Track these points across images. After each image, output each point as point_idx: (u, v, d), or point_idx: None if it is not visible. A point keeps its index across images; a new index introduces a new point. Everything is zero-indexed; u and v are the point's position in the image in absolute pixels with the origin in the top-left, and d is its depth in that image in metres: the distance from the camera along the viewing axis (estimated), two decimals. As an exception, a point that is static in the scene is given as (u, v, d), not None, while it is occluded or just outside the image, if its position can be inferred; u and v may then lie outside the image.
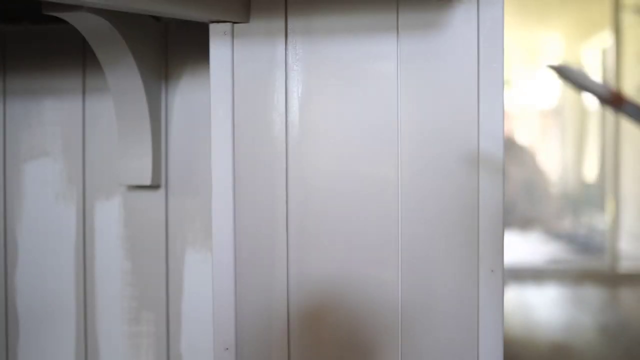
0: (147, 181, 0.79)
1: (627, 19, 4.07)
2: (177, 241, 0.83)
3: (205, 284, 0.82)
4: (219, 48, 0.67)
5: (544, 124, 5.09)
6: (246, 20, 0.67)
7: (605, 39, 4.21)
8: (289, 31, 0.67)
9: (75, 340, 0.85)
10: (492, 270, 0.64)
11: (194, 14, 0.63)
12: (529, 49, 4.89)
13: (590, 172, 4.68)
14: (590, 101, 4.54)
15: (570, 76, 0.50)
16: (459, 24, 0.64)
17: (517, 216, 4.83)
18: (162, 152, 0.81)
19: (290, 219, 0.67)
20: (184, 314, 0.83)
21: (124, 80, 0.74)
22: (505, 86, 0.65)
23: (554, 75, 0.57)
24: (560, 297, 3.36)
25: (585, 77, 0.52)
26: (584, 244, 4.51)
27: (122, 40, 0.69)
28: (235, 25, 0.67)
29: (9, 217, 0.87)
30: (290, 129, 0.67)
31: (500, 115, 0.64)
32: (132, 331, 0.84)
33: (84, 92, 0.85)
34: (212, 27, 0.67)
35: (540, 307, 3.13)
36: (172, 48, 0.82)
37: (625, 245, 4.03)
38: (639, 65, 4.04)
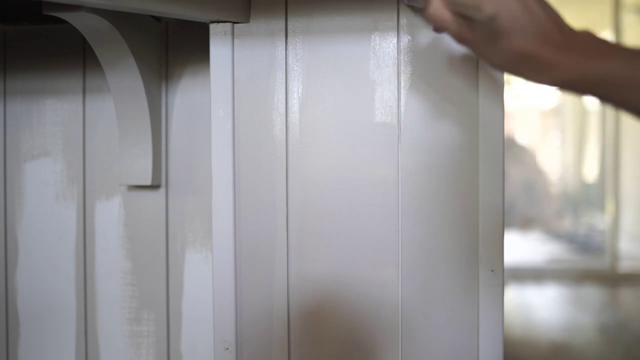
0: (147, 181, 0.79)
1: (627, 19, 4.07)
2: (177, 241, 0.83)
3: (205, 284, 0.82)
4: (219, 48, 0.67)
5: (544, 124, 5.09)
6: (246, 20, 0.67)
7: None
8: (289, 31, 0.67)
9: (75, 340, 0.85)
10: (492, 270, 0.64)
11: (194, 14, 0.63)
12: (529, 49, 4.88)
13: (590, 172, 4.69)
14: (591, 101, 4.54)
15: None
16: (459, 24, 0.64)
17: (517, 216, 4.83)
18: (162, 152, 0.81)
19: (291, 218, 0.67)
20: (184, 314, 0.83)
21: (124, 80, 0.74)
22: (505, 86, 0.65)
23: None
24: (560, 297, 3.36)
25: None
26: (584, 244, 4.51)
27: (122, 40, 0.69)
28: (235, 25, 0.67)
29: (10, 217, 0.87)
30: (290, 129, 0.67)
31: (501, 116, 0.64)
32: (132, 331, 0.84)
33: (84, 92, 0.85)
34: (212, 27, 0.67)
35: (540, 307, 3.13)
36: (172, 48, 0.82)
37: (625, 245, 4.03)
38: (639, 65, 4.03)
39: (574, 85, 0.45)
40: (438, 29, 0.50)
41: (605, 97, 0.46)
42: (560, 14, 0.48)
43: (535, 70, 0.46)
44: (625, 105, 0.45)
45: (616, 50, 0.45)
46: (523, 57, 0.46)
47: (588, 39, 0.46)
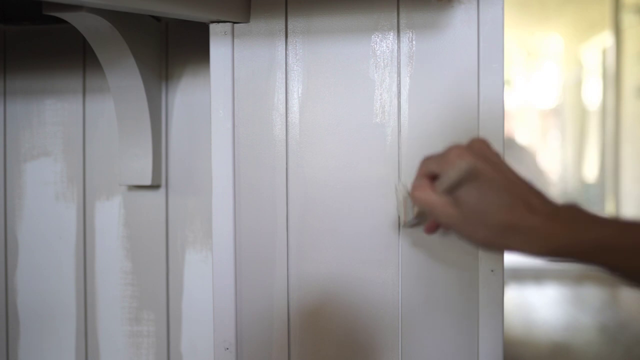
0: (147, 181, 0.79)
1: (627, 19, 4.07)
2: (177, 241, 0.83)
3: (205, 284, 0.82)
4: (219, 48, 0.67)
5: (544, 124, 5.09)
6: (246, 20, 0.67)
7: (605, 39, 4.21)
8: (289, 31, 0.67)
9: (75, 340, 0.85)
10: (492, 270, 0.64)
11: (194, 14, 0.63)
12: (529, 49, 4.89)
13: (590, 172, 4.69)
14: (590, 101, 4.55)
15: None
16: (459, 24, 0.64)
17: (517, 216, 4.81)
18: (162, 152, 0.81)
19: (291, 218, 0.67)
20: (184, 314, 0.83)
21: (124, 80, 0.74)
22: (505, 86, 0.65)
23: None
24: (560, 297, 3.36)
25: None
26: (584, 244, 4.50)
27: (122, 40, 0.69)
28: (235, 25, 0.67)
29: (10, 217, 0.87)
30: (290, 129, 0.67)
31: (501, 115, 0.64)
32: (132, 331, 0.84)
33: (84, 92, 0.85)
34: (212, 27, 0.67)
35: (540, 307, 3.13)
36: (172, 48, 0.82)
37: (625, 245, 4.02)
38: (639, 65, 4.04)
39: (569, 253, 0.44)
40: (427, 210, 0.50)
41: (600, 264, 0.44)
42: (542, 191, 0.47)
43: (525, 241, 0.45)
44: (621, 271, 0.44)
45: (605, 219, 0.44)
46: (512, 229, 0.45)
47: (575, 210, 0.45)
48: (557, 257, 0.44)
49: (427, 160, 0.51)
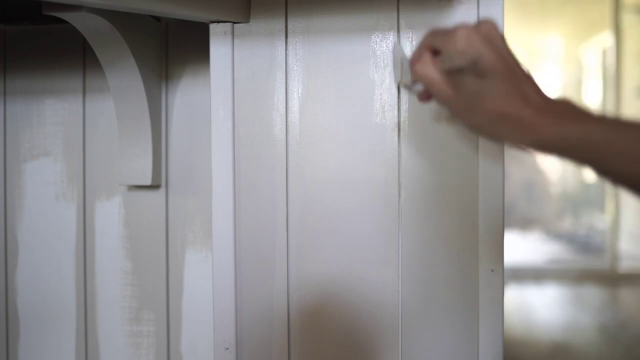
0: (147, 181, 0.79)
1: (627, 19, 4.07)
2: (177, 241, 0.83)
3: (205, 284, 0.82)
4: (219, 48, 0.67)
5: (544, 124, 5.07)
6: (246, 20, 0.67)
7: (605, 39, 4.21)
8: (289, 31, 0.67)
9: (75, 340, 0.85)
10: (492, 270, 0.64)
11: (194, 14, 0.63)
12: (529, 49, 4.89)
13: (590, 172, 4.68)
14: (591, 101, 4.55)
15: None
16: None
17: (517, 216, 4.83)
18: (162, 152, 0.81)
19: (291, 218, 0.67)
20: (184, 314, 0.83)
21: (124, 80, 0.74)
22: (505, 86, 0.65)
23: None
24: (560, 297, 3.36)
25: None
26: (584, 244, 4.51)
27: (122, 40, 0.69)
28: (235, 25, 0.67)
29: (10, 217, 0.87)
30: (290, 129, 0.67)
31: (500, 115, 0.64)
32: (132, 331, 0.84)
33: (84, 92, 0.85)
34: (212, 27, 0.67)
35: (540, 307, 3.13)
36: (172, 48, 0.82)
37: (625, 245, 4.03)
38: (639, 65, 4.05)
39: (554, 147, 0.45)
40: (426, 85, 0.50)
41: (585, 162, 0.45)
42: (539, 83, 0.48)
43: (515, 131, 0.46)
44: (606, 171, 0.45)
45: (597, 116, 0.45)
46: (504, 118, 0.46)
47: (568, 105, 0.46)
48: (542, 150, 0.46)
49: (433, 34, 0.51)
